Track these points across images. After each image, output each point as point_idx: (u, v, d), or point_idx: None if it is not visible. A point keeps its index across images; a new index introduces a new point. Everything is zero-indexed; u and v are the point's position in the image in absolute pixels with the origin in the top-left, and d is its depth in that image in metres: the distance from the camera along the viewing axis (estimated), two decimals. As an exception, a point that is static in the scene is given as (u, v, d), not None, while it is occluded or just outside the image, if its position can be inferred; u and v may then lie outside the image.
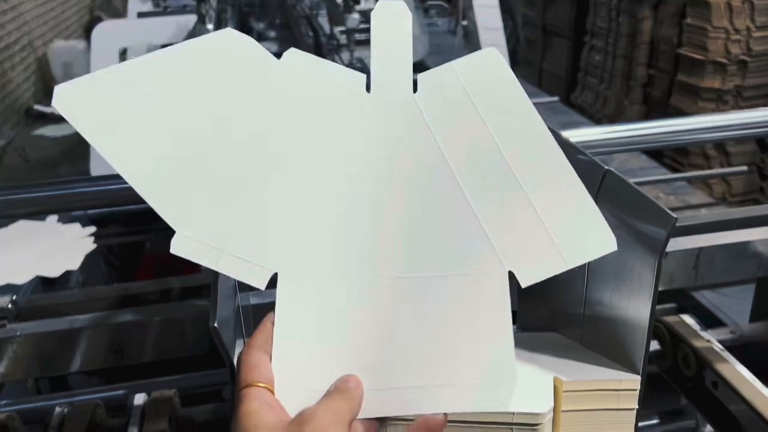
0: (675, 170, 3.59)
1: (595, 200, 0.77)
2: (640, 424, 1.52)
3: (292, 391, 0.57)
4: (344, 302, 0.59)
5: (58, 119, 3.35)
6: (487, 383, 0.61)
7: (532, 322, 1.05)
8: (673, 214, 0.63)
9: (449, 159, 0.61)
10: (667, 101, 4.54)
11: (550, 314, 0.97)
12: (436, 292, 0.60)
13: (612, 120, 4.93)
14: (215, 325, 0.58)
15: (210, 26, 2.52)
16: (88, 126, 0.56)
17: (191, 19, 2.56)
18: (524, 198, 0.62)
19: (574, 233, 0.63)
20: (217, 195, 0.58)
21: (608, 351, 0.79)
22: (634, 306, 0.71)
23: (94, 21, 8.88)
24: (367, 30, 0.63)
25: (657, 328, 1.46)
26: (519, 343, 0.79)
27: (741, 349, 1.52)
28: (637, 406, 0.69)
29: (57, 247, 2.04)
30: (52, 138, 6.82)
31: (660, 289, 1.27)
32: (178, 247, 0.58)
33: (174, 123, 0.57)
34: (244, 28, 5.70)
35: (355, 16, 2.39)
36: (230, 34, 0.61)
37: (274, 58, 0.61)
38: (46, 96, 7.77)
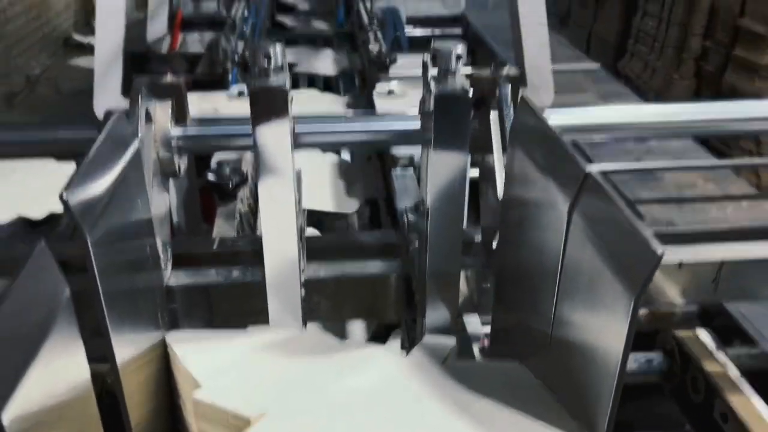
0: (721, 153, 3.31)
1: (571, 207, 0.61)
2: (634, 448, 1.37)
3: None
4: None
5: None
6: None
7: (503, 336, 0.90)
8: (659, 249, 0.46)
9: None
10: (721, 78, 4.19)
11: (520, 327, 0.82)
12: None
13: (658, 94, 4.60)
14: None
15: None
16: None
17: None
18: None
19: None
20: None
21: (571, 397, 0.64)
22: (604, 346, 0.55)
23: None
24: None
25: (667, 342, 1.28)
26: (476, 377, 0.70)
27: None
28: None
29: (45, 187, 1.93)
30: (85, 69, 6.77)
31: (669, 302, 1.10)
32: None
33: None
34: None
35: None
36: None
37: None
38: (86, 25, 7.72)
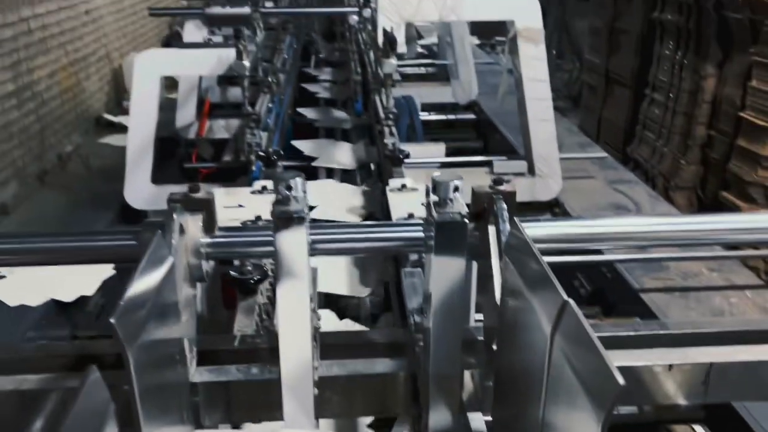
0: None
1: (553, 328, 0.69)
2: None
3: None
4: None
5: (125, 128, 3.37)
6: None
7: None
8: (621, 380, 0.54)
9: None
10: (725, 165, 4.29)
11: (517, 427, 0.89)
12: None
13: (666, 178, 4.71)
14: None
15: (246, 62, 2.53)
16: None
17: (232, 53, 2.58)
18: None
19: None
20: None
21: None
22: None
23: (172, 36, 9.19)
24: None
25: (665, 439, 1.33)
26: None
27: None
28: None
29: (74, 270, 2.04)
30: (115, 147, 7.05)
31: (663, 403, 1.16)
32: None
33: None
34: (305, 54, 5.83)
35: (393, 61, 2.35)
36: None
37: None
38: (118, 106, 8.10)
